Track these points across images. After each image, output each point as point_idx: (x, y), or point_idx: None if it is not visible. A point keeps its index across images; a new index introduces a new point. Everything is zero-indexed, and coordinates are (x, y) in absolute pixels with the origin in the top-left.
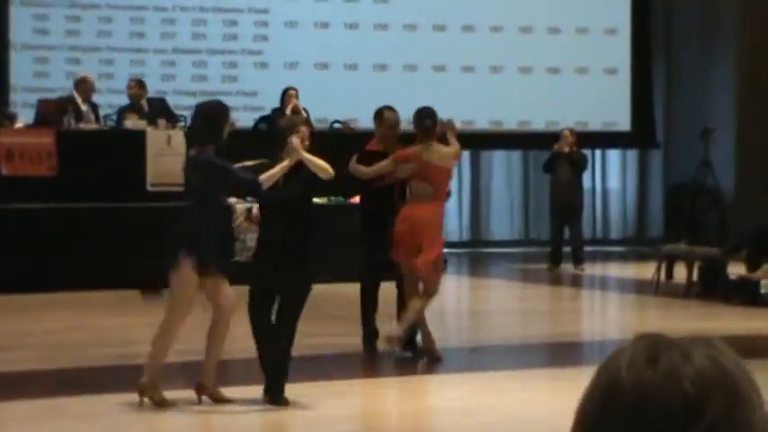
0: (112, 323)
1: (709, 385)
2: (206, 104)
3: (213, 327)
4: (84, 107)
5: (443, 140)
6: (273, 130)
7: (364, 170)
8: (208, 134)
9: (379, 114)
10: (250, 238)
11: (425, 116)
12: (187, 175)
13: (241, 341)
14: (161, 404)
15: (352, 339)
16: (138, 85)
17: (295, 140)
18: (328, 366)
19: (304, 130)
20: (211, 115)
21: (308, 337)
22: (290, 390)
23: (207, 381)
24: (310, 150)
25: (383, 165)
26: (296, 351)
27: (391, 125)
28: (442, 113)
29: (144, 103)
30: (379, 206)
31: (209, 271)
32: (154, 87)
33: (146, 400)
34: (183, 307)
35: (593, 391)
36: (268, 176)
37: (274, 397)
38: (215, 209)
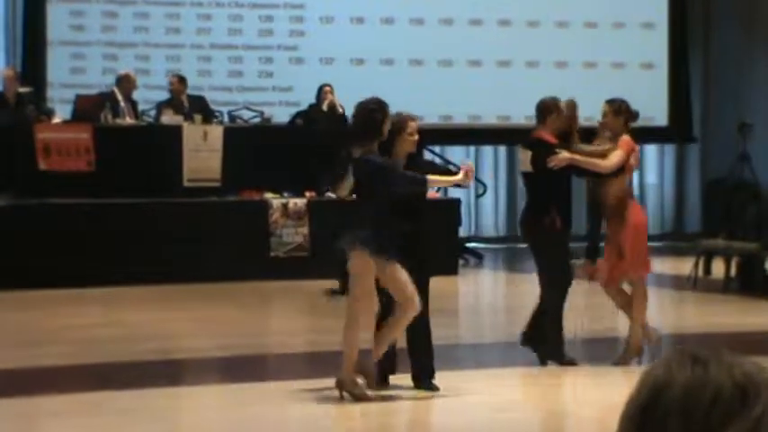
0: (148, 318)
1: (757, 379)
2: (363, 102)
3: (392, 318)
4: (123, 104)
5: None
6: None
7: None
8: (367, 132)
9: (555, 106)
10: (287, 233)
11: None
12: (355, 175)
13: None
14: (361, 398)
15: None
16: (180, 81)
17: (466, 170)
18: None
19: (413, 125)
20: (369, 112)
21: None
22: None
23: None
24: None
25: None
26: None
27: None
28: (478, 109)
29: (184, 98)
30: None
31: (383, 262)
32: (190, 83)
33: (345, 394)
34: (366, 297)
35: (641, 390)
36: (434, 180)
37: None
38: (383, 206)
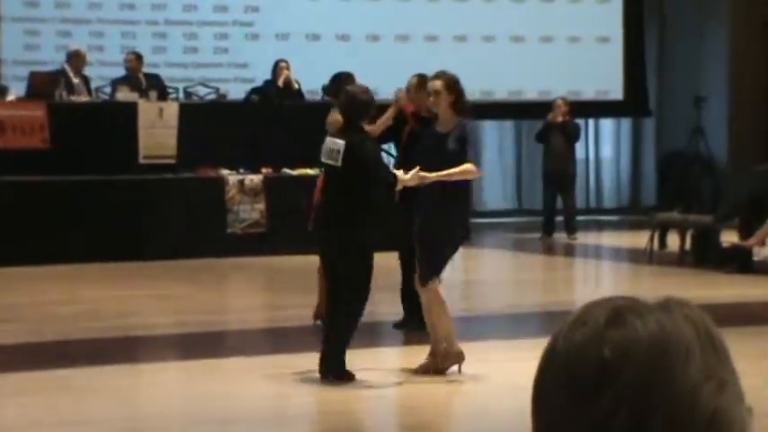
0: (105, 295)
1: (630, 351)
2: None
3: None
4: (75, 80)
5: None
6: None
7: None
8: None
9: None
10: (243, 210)
11: None
12: None
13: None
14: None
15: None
16: (137, 58)
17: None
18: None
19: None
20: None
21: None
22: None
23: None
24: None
25: None
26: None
27: None
28: None
29: (141, 76)
30: None
31: None
32: (145, 60)
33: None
34: None
35: (542, 355)
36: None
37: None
38: None
